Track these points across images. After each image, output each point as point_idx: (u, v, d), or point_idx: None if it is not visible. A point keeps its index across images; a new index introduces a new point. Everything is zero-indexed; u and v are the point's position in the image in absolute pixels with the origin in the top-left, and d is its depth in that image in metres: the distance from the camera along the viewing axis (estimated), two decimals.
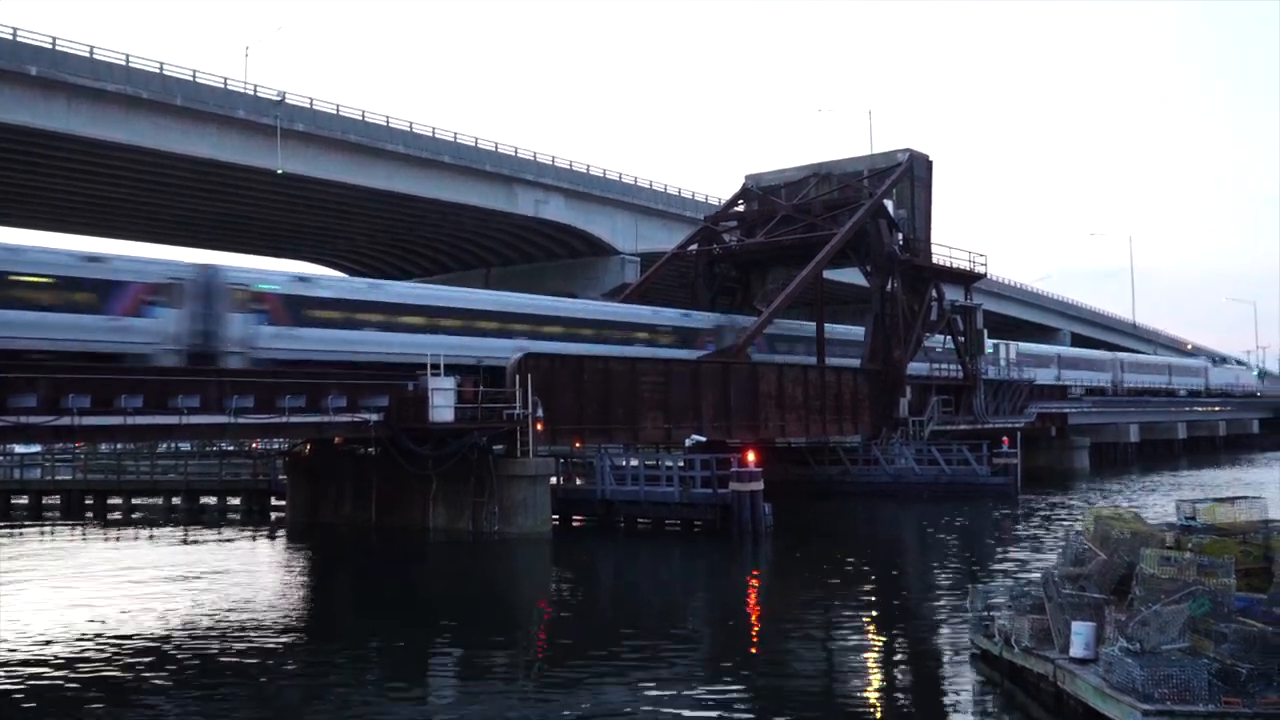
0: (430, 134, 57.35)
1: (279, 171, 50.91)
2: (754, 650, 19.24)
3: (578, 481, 40.42)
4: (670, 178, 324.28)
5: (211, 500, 46.36)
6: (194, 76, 48.13)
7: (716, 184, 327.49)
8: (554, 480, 37.43)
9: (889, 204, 55.15)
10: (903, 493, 48.17)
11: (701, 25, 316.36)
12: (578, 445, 41.47)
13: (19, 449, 54.15)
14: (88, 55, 44.65)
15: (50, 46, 43.50)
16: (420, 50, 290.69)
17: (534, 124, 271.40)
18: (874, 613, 22.25)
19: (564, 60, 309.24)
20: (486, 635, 20.38)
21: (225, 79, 49.44)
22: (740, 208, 60.18)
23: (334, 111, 53.42)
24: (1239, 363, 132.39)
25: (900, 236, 55.30)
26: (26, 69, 42.37)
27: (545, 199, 63.43)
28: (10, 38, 42.38)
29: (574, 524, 38.31)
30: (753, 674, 17.25)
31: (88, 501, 46.98)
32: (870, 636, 19.86)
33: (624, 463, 39.09)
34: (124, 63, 45.71)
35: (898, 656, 18.38)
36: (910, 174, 55.69)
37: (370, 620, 22.41)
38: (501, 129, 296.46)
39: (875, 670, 17.33)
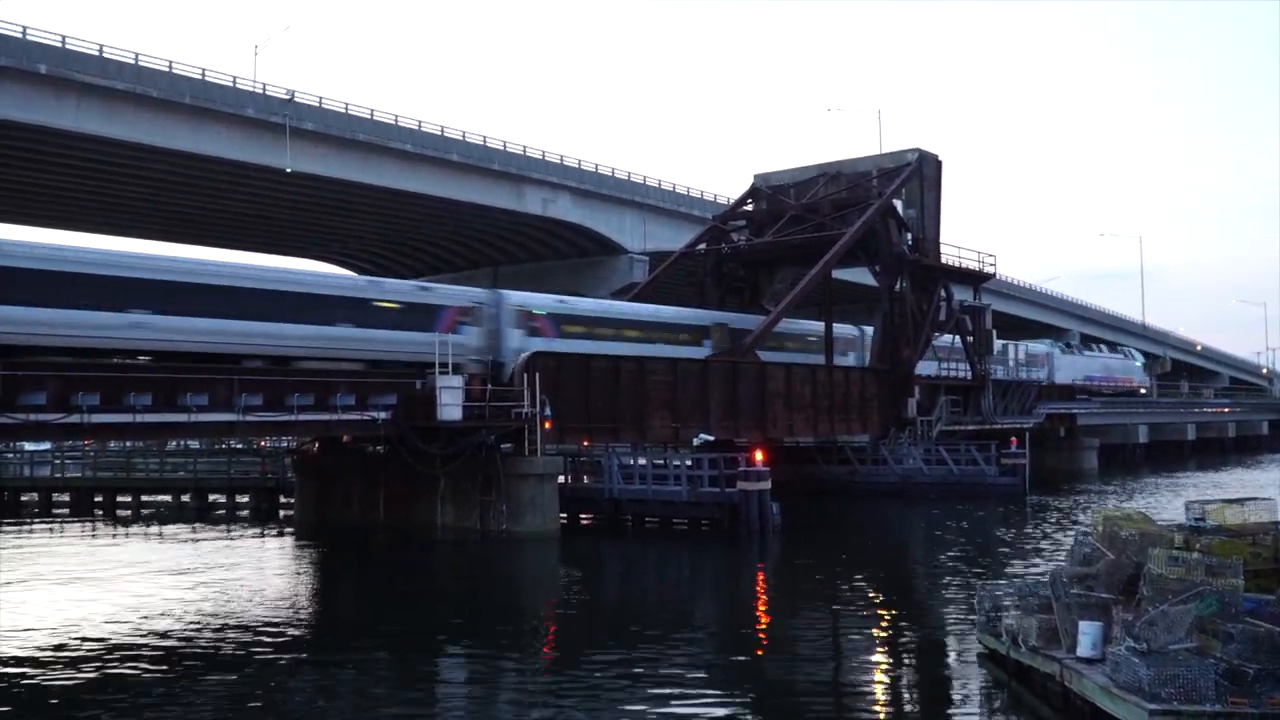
0: (439, 132, 57.39)
1: (288, 170, 51.01)
2: (761, 649, 19.24)
3: (585, 480, 40.45)
4: (679, 177, 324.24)
5: (220, 498, 46.47)
6: (203, 75, 48.22)
7: (725, 183, 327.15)
8: (562, 479, 37.47)
9: (898, 204, 55.06)
10: (911, 492, 48.10)
11: (711, 24, 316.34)
12: (585, 444, 41.50)
13: (29, 446, 54.40)
14: (97, 54, 44.76)
15: (60, 45, 43.62)
16: (429, 49, 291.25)
17: (543, 123, 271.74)
18: (881, 612, 22.24)
19: (573, 59, 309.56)
20: (494, 634, 20.40)
21: (234, 78, 49.55)
22: (749, 207, 60.14)
23: (343, 110, 53.50)
24: (1113, 348, 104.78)
25: (909, 236, 55.20)
26: (36, 67, 42.49)
27: (553, 197, 63.38)
28: (20, 36, 42.51)
29: (582, 523, 38.35)
30: (760, 673, 17.26)
31: (97, 499, 47.10)
32: (877, 635, 19.85)
33: (632, 462, 39.10)
34: (133, 61, 45.82)
35: (905, 656, 18.36)
36: (919, 174, 55.60)
37: (377, 619, 22.46)
38: (510, 128, 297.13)
39: (882, 669, 17.32)
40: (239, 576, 27.23)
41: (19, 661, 17.73)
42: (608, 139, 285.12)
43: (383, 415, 33.28)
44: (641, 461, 38.97)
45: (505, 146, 60.73)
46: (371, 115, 54.60)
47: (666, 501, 36.28)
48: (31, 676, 16.78)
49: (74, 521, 42.93)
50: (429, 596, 26.07)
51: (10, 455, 54.79)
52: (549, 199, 63.18)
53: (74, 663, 17.64)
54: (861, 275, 60.20)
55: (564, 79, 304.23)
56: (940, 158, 57.34)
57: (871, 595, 24.60)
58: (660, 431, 41.66)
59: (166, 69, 46.96)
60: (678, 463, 37.81)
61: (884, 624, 20.90)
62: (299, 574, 29.41)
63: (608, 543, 35.28)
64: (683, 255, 58.24)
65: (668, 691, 15.59)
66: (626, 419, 39.84)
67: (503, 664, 18.04)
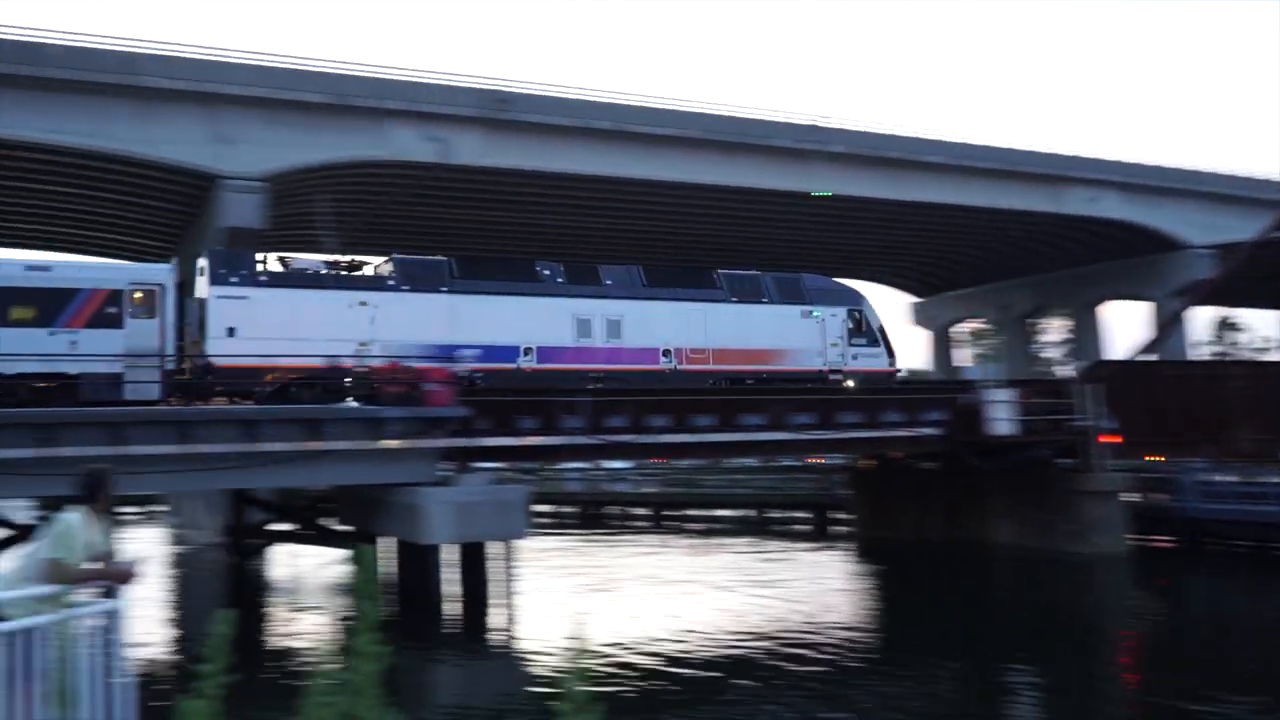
0: (969, 143, 56.44)
1: (827, 193, 52.92)
2: None
3: (1156, 497, 36.82)
4: (1239, 164, 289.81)
5: (778, 514, 48.50)
6: (734, 115, 51.80)
7: None
8: (1129, 496, 34.48)
9: None
10: None
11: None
12: (1150, 459, 37.90)
13: (608, 464, 60.82)
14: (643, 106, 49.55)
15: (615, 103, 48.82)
16: (948, 65, 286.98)
17: (1078, 129, 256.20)
18: None
19: (1111, 59, 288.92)
20: (1061, 662, 19.02)
21: (766, 111, 52.69)
22: None
23: (869, 131, 54.59)
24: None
25: None
26: (600, 123, 47.75)
27: (1097, 195, 59.17)
28: (583, 101, 48.10)
29: (1154, 544, 34.95)
30: None
31: (666, 513, 51.36)
32: None
33: (1212, 477, 34.99)
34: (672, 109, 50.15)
35: None
36: None
37: (937, 637, 21.96)
38: (1042, 136, 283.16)
39: None
40: (811, 588, 28.22)
41: (658, 655, 19.40)
42: (1151, 136, 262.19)
43: (932, 430, 32.82)
44: (1226, 478, 34.70)
45: (1038, 150, 58.31)
46: (895, 134, 55.15)
47: (1260, 523, 31.89)
48: (650, 671, 18.28)
49: (650, 533, 47.01)
50: (987, 617, 25.09)
51: (597, 472, 61.64)
52: (1092, 197, 59.15)
53: (692, 657, 19.02)
54: None
55: (1104, 79, 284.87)
56: None
57: None
58: (1244, 445, 36.81)
59: (702, 113, 50.92)
60: (1276, 480, 33.11)
61: None
62: (864, 588, 29.79)
63: (1187, 568, 31.80)
64: (1259, 244, 51.38)
65: None
66: (1200, 432, 35.73)
67: (1069, 689, 16.69)
